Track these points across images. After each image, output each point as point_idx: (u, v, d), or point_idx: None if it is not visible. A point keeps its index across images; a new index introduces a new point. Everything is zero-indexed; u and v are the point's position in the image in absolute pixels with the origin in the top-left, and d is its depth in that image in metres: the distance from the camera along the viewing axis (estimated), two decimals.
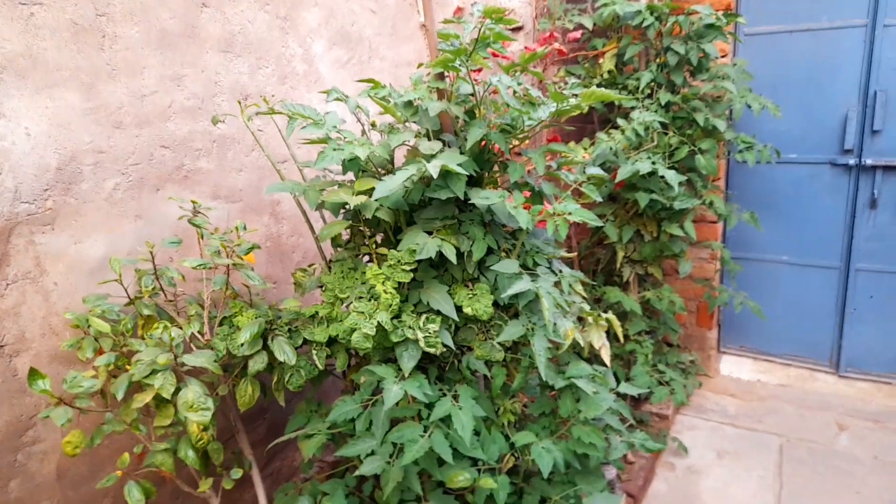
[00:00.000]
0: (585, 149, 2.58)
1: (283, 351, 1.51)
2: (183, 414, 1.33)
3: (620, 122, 2.52)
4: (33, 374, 1.30)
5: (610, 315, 1.76)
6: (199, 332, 1.51)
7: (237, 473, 1.57)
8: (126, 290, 1.55)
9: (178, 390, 1.34)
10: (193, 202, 1.56)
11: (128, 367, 1.39)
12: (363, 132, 1.68)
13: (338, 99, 1.60)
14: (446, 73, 1.56)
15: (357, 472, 1.52)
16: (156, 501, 1.84)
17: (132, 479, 1.42)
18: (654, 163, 2.49)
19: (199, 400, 1.33)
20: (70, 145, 1.54)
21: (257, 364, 1.51)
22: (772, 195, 3.43)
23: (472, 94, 1.56)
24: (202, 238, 1.56)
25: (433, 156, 1.40)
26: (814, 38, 3.14)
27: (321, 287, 1.67)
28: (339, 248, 1.77)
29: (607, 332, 1.80)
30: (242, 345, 1.48)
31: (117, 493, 1.70)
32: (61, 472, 1.59)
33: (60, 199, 1.54)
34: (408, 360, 1.47)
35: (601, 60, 2.96)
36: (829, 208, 3.31)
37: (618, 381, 1.86)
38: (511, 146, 1.59)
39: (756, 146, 2.83)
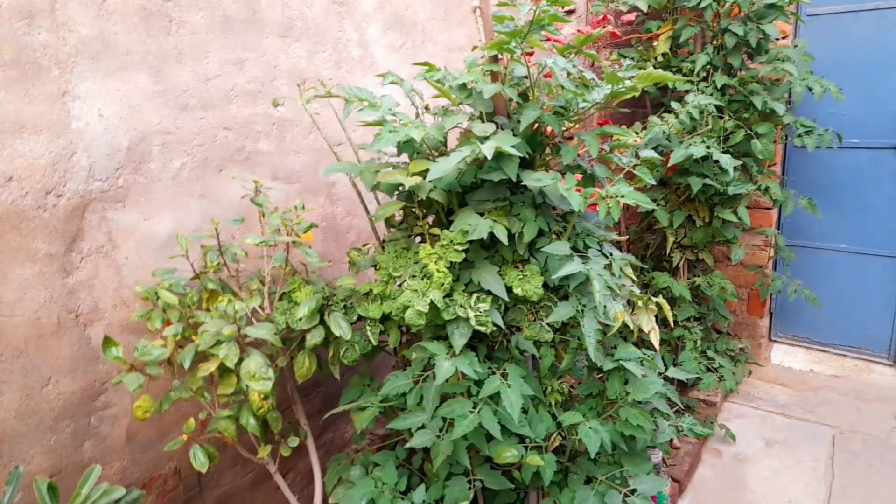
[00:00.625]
0: (638, 133, 2.56)
1: (339, 326, 1.57)
2: (245, 383, 1.40)
3: (674, 105, 2.48)
4: (107, 341, 1.38)
5: (660, 299, 1.76)
6: (259, 306, 1.58)
7: (294, 442, 1.64)
8: (192, 265, 1.62)
9: (240, 360, 1.41)
10: (255, 182, 1.63)
11: (194, 337, 1.47)
12: (417, 115, 1.71)
13: (393, 82, 1.64)
14: (500, 56, 1.57)
15: (408, 445, 1.57)
16: (217, 466, 1.94)
17: (196, 443, 1.51)
18: (708, 147, 2.45)
19: (261, 370, 1.40)
20: (140, 126, 1.62)
21: (314, 338, 1.57)
22: (830, 181, 3.33)
23: (526, 77, 1.57)
24: (263, 216, 1.62)
25: (487, 138, 1.42)
26: (880, 17, 3.02)
27: (375, 266, 1.71)
28: (392, 229, 1.82)
29: (656, 318, 1.80)
30: (301, 319, 1.54)
31: (182, 456, 1.80)
32: (130, 436, 1.69)
33: (131, 177, 1.62)
34: (459, 338, 1.50)
35: (655, 43, 2.92)
36: (891, 195, 3.20)
37: (665, 367, 1.87)
38: (564, 129, 1.60)
39: (816, 130, 2.75)
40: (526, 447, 1.62)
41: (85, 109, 1.52)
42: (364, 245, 1.91)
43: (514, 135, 1.50)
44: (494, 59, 1.56)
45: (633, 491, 1.65)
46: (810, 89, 2.68)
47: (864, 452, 2.75)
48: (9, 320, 1.41)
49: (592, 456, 1.58)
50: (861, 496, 2.48)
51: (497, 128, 1.51)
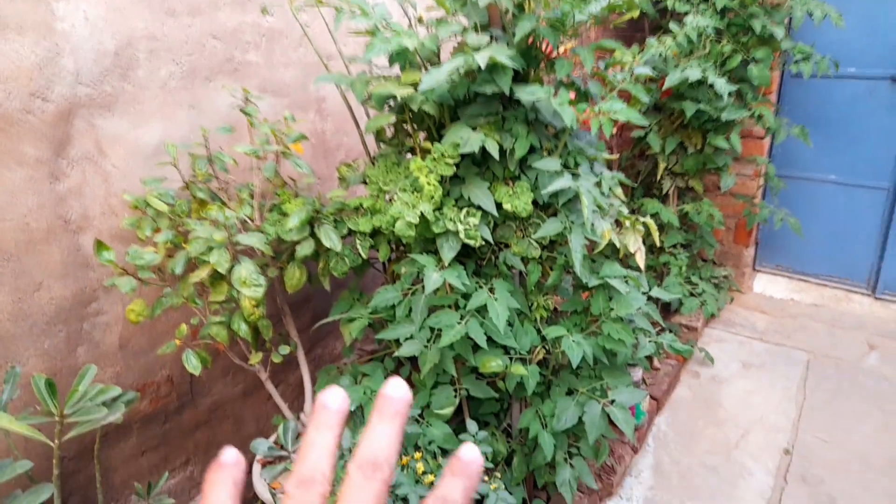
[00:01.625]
0: (635, 55, 2.51)
1: (329, 237, 1.58)
2: (236, 289, 1.43)
3: (672, 26, 2.44)
4: (99, 245, 1.39)
5: (648, 219, 1.78)
6: (249, 217, 1.59)
7: (285, 349, 1.69)
8: (181, 174, 1.62)
9: (231, 267, 1.43)
10: (245, 90, 1.60)
11: (184, 245, 1.48)
12: (410, 26, 1.67)
13: None
14: None
15: (396, 354, 1.62)
16: (209, 375, 1.99)
17: (189, 348, 1.54)
18: (704, 71, 2.42)
19: (252, 277, 1.42)
20: (126, 30, 1.58)
21: (305, 249, 1.59)
22: (825, 111, 3.32)
23: None
24: (252, 126, 1.61)
25: (480, 48, 1.39)
26: None
27: (365, 182, 1.72)
28: (383, 145, 1.81)
29: (643, 241, 1.82)
30: (291, 230, 1.56)
31: (174, 364, 1.85)
32: (123, 343, 1.73)
33: (118, 84, 1.59)
34: (448, 251, 1.52)
35: None
36: (885, 127, 3.19)
37: (650, 288, 1.91)
38: (560, 43, 1.57)
39: (814, 57, 2.72)
40: (511, 358, 1.68)
41: (70, 10, 1.47)
42: (354, 161, 1.90)
43: (509, 47, 1.48)
44: None
45: (612, 402, 1.72)
46: (810, 14, 2.64)
47: (835, 376, 2.86)
48: None
49: (574, 367, 1.63)
50: (829, 416, 2.60)
51: (492, 39, 1.48)
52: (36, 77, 1.42)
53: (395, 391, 0.36)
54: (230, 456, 0.36)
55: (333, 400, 0.37)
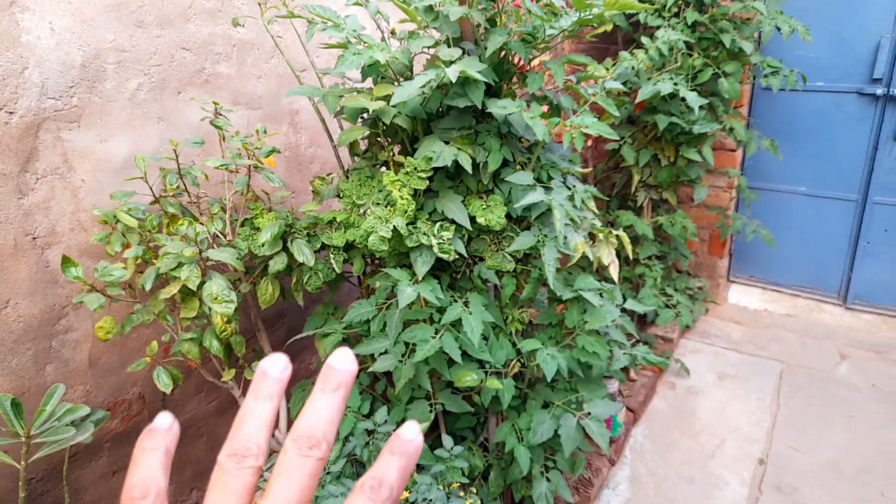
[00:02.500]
0: (608, 68, 2.54)
1: (302, 252, 1.57)
2: (208, 305, 1.40)
3: (644, 40, 2.47)
4: (66, 261, 1.36)
5: (620, 232, 1.80)
6: (221, 231, 1.57)
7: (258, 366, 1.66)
8: (151, 188, 1.59)
9: (202, 283, 1.41)
10: (215, 103, 1.58)
11: (154, 261, 1.46)
12: (383, 39, 1.67)
13: (357, 3, 1.59)
14: None
15: (370, 369, 1.61)
16: (182, 392, 1.95)
17: (160, 366, 1.51)
18: (675, 84, 2.46)
19: (223, 293, 1.40)
20: (93, 42, 1.56)
21: (277, 264, 1.57)
22: (794, 124, 3.38)
23: (494, 1, 1.54)
24: (224, 140, 1.59)
25: (452, 62, 1.40)
26: None
27: (339, 196, 1.71)
28: (356, 158, 1.80)
29: (618, 254, 1.84)
30: (263, 245, 1.54)
31: (146, 382, 1.81)
32: (93, 360, 1.69)
33: (85, 96, 1.56)
34: (422, 265, 1.52)
35: None
36: (852, 139, 3.26)
37: (625, 300, 1.92)
38: (531, 57, 1.58)
39: (782, 71, 2.77)
40: (486, 372, 1.67)
41: (35, 22, 1.45)
42: (328, 174, 1.89)
43: (481, 61, 1.48)
44: None
45: (587, 414, 1.72)
46: (779, 29, 2.69)
47: (808, 385, 2.89)
48: None
49: (549, 380, 1.63)
50: (802, 424, 2.62)
51: (463, 52, 1.48)
52: (1, 89, 1.40)
53: (340, 362, 0.34)
54: (163, 421, 0.34)
55: (274, 367, 0.35)
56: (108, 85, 1.60)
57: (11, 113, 1.43)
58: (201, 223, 1.51)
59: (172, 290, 1.42)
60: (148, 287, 1.41)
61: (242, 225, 1.64)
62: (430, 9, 1.50)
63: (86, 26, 1.54)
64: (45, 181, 1.52)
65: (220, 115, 1.58)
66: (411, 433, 0.34)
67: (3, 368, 1.49)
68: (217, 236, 1.55)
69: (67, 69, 1.51)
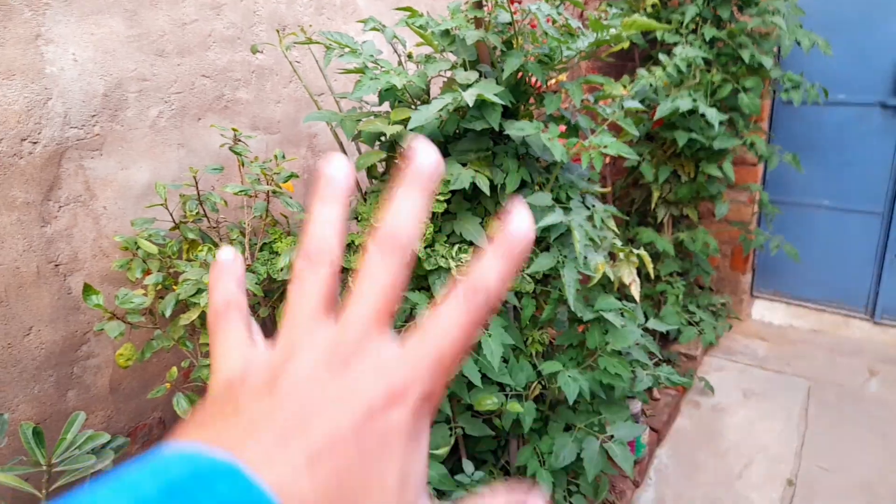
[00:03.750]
0: (625, 86, 2.53)
1: None
2: None
3: (662, 57, 2.46)
4: (87, 289, 1.37)
5: (641, 251, 1.78)
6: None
7: None
8: (171, 214, 1.61)
9: None
10: (234, 130, 1.60)
11: (175, 287, 1.47)
12: (400, 63, 1.68)
13: (374, 29, 1.60)
14: (484, 2, 1.54)
15: None
16: None
17: (180, 391, 1.52)
18: (694, 100, 2.44)
19: None
20: (115, 72, 1.58)
21: None
22: (816, 138, 3.33)
23: (510, 24, 1.54)
24: (243, 166, 1.60)
25: (469, 85, 1.40)
26: None
27: (356, 218, 1.71)
28: (374, 180, 1.80)
29: (639, 272, 1.82)
30: (282, 269, 1.54)
31: (166, 407, 1.82)
32: (114, 386, 1.70)
33: (107, 125, 1.59)
34: (440, 288, 1.51)
35: None
36: (875, 152, 3.21)
37: (646, 318, 1.89)
38: (548, 78, 1.58)
39: (803, 85, 2.74)
40: (506, 395, 1.65)
41: (59, 54, 1.48)
42: None
43: (498, 83, 1.48)
44: (478, 5, 1.53)
45: (610, 437, 1.69)
46: (799, 43, 2.66)
47: (837, 403, 2.83)
48: None
49: (570, 403, 1.61)
50: (832, 443, 2.56)
51: (480, 76, 1.49)
52: (24, 120, 1.42)
53: (425, 158, 0.32)
54: (228, 254, 0.34)
55: (338, 170, 0.32)
56: (129, 113, 1.63)
57: (35, 143, 1.45)
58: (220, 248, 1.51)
59: (192, 316, 1.42)
60: (168, 313, 1.42)
61: (261, 249, 1.64)
62: (446, 33, 1.50)
63: (108, 56, 1.56)
64: (67, 209, 1.54)
65: (240, 140, 1.60)
66: (523, 226, 0.30)
67: (25, 395, 1.51)
68: None
69: (90, 99, 1.54)
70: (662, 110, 2.45)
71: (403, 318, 1.65)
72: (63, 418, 1.55)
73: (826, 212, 3.44)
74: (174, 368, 1.54)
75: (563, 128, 1.68)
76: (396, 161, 1.72)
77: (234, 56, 1.86)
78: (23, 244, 1.45)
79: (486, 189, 1.48)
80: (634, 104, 1.64)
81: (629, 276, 1.79)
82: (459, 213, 1.59)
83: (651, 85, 2.42)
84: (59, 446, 1.27)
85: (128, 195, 1.65)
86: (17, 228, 1.44)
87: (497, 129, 1.47)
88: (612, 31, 1.43)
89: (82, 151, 1.54)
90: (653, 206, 2.98)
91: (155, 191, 1.62)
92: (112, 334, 1.37)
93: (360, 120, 1.58)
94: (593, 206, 1.69)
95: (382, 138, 1.66)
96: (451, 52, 1.55)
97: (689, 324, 3.15)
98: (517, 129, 1.46)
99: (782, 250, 3.12)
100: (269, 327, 1.77)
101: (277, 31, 1.73)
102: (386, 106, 1.66)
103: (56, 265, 1.53)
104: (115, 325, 1.37)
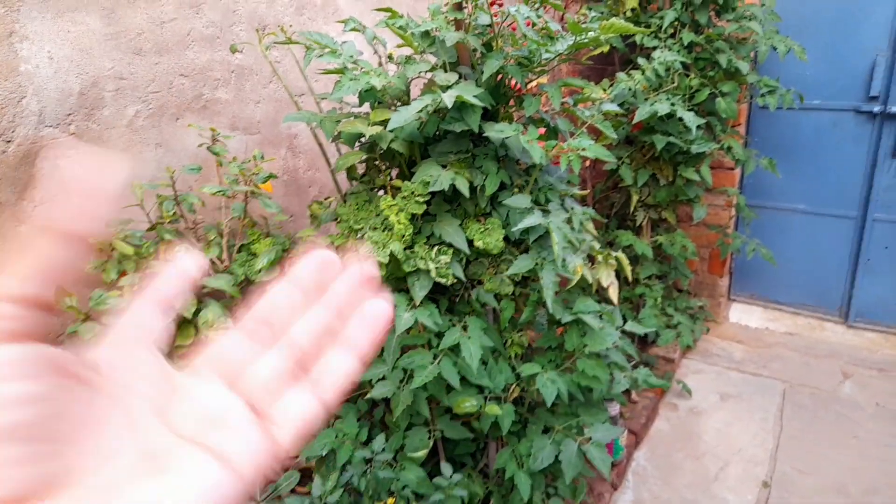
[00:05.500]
0: (604, 89, 2.55)
1: None
2: (203, 333, 1.39)
3: (641, 61, 2.48)
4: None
5: (619, 254, 1.79)
6: (217, 257, 1.56)
7: None
8: (148, 215, 1.59)
9: (198, 311, 1.40)
10: (212, 130, 1.59)
11: None
12: (380, 64, 1.68)
13: (354, 29, 1.60)
14: (465, 4, 1.54)
15: (368, 396, 1.59)
16: None
17: None
18: (673, 104, 2.46)
19: (219, 319, 1.39)
20: (92, 70, 1.56)
21: None
22: (792, 142, 3.39)
23: (490, 26, 1.54)
24: (221, 166, 1.59)
25: (449, 87, 1.40)
26: None
27: (336, 220, 1.70)
28: (354, 182, 1.80)
29: (617, 275, 1.83)
30: (260, 271, 1.53)
31: None
32: None
33: (83, 124, 1.57)
34: (419, 290, 1.51)
35: None
36: (850, 156, 3.27)
37: (624, 321, 1.90)
38: (527, 80, 1.58)
39: (779, 90, 2.78)
40: (485, 398, 1.65)
41: (34, 51, 1.45)
42: (326, 199, 1.89)
43: (477, 85, 1.49)
44: (458, 7, 1.53)
45: (588, 439, 1.70)
46: (775, 48, 2.70)
47: (811, 404, 2.87)
48: None
49: (549, 405, 1.61)
50: (806, 445, 2.59)
51: (460, 77, 1.49)
52: None
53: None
54: (189, 262, 0.36)
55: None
56: (106, 112, 1.61)
57: (9, 141, 1.43)
58: (198, 250, 1.50)
59: None
60: None
61: (239, 251, 1.63)
62: (426, 34, 1.50)
63: (84, 55, 1.54)
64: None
65: (218, 140, 1.58)
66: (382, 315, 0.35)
67: None
68: (213, 262, 1.54)
69: (65, 97, 1.52)
70: (641, 114, 2.47)
71: None
72: None
73: (801, 216, 3.49)
74: None
75: (542, 130, 1.69)
76: (376, 162, 1.72)
77: (213, 55, 1.84)
78: None
79: (465, 191, 1.48)
80: (613, 107, 1.65)
81: (607, 279, 1.80)
82: (439, 215, 1.59)
83: (630, 89, 2.45)
84: None
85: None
86: None
87: (477, 131, 1.47)
88: (591, 33, 1.44)
89: (58, 151, 1.52)
90: (632, 209, 3.00)
91: (131, 191, 1.60)
92: (86, 336, 1.35)
93: (339, 121, 1.57)
94: (572, 208, 1.70)
95: (362, 139, 1.65)
96: (432, 53, 1.56)
97: (668, 327, 3.18)
98: (497, 132, 1.46)
99: (759, 254, 3.17)
100: None
101: (257, 31, 1.72)
102: (366, 107, 1.66)
103: None
104: (89, 327, 1.35)
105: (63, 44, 1.50)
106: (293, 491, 1.55)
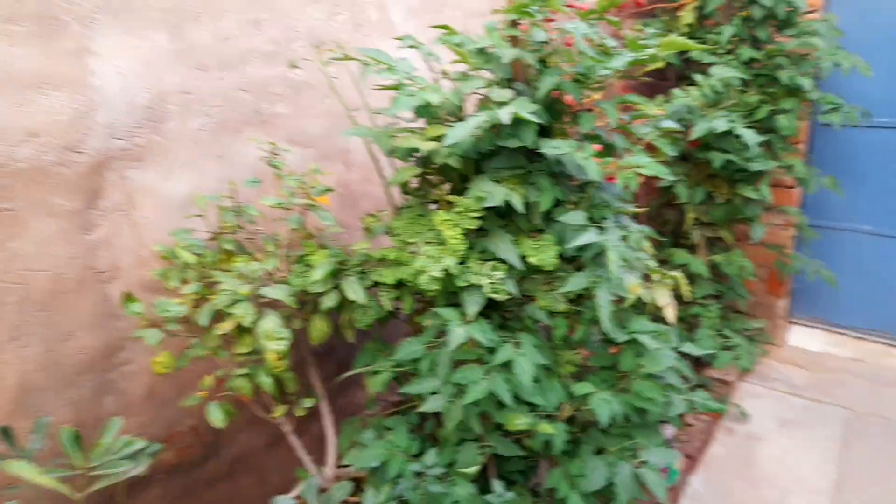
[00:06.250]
0: (660, 105, 2.51)
1: (354, 290, 1.57)
2: (261, 342, 1.42)
3: (698, 77, 2.44)
4: (128, 297, 1.40)
5: (677, 273, 1.75)
6: (275, 268, 1.59)
7: (309, 402, 1.67)
8: (209, 225, 1.63)
9: (257, 320, 1.43)
10: (272, 143, 1.63)
11: (211, 297, 1.49)
12: (435, 80, 1.69)
13: (411, 46, 1.62)
14: (520, 21, 1.55)
15: (420, 409, 1.59)
16: (233, 425, 1.96)
17: (214, 400, 1.53)
18: (731, 121, 2.41)
19: (277, 330, 1.41)
20: (158, 85, 1.62)
21: (329, 301, 1.58)
22: (856, 161, 3.26)
23: (546, 43, 1.54)
24: (279, 179, 1.63)
25: (504, 103, 1.40)
26: None
27: (389, 233, 1.72)
28: (407, 196, 1.81)
29: (673, 294, 1.79)
30: (316, 282, 1.55)
31: (199, 415, 1.83)
32: (149, 393, 1.72)
33: (149, 136, 1.62)
34: (472, 305, 1.50)
35: (680, 13, 2.85)
36: None
37: (680, 342, 1.86)
38: (583, 97, 1.57)
39: (843, 108, 2.69)
40: (538, 416, 1.63)
41: (104, 66, 1.52)
42: (379, 212, 1.91)
43: (533, 101, 1.48)
44: (514, 24, 1.54)
45: (643, 462, 1.65)
46: (838, 65, 2.62)
47: (878, 435, 2.73)
48: (32, 274, 1.44)
49: (604, 425, 1.58)
50: (871, 477, 2.47)
51: (515, 94, 1.49)
52: (70, 131, 1.46)
53: None
54: None
55: None
56: (171, 125, 1.66)
57: (80, 153, 1.49)
58: (257, 260, 1.53)
59: (228, 326, 1.44)
60: (204, 323, 1.44)
61: (296, 262, 1.66)
62: (482, 51, 1.51)
63: (151, 69, 1.60)
64: (109, 218, 1.57)
65: (276, 154, 1.62)
66: None
67: (64, 400, 1.53)
68: (271, 273, 1.57)
69: (133, 110, 1.58)
70: (698, 131, 2.42)
71: (434, 335, 1.65)
72: (100, 423, 1.58)
73: (866, 237, 3.35)
74: (208, 377, 1.55)
75: (598, 147, 1.67)
76: (429, 177, 1.73)
77: (272, 71, 1.89)
78: (66, 251, 1.49)
79: (519, 207, 1.48)
80: (671, 125, 1.62)
81: (663, 299, 1.76)
82: (492, 231, 1.58)
83: (686, 105, 2.41)
84: (96, 451, 1.29)
85: (167, 206, 1.68)
86: (61, 236, 1.48)
87: (531, 147, 1.47)
88: (650, 50, 1.42)
89: (125, 162, 1.58)
90: (687, 227, 2.94)
91: (194, 202, 1.65)
92: (150, 342, 1.39)
93: (395, 136, 1.59)
94: (627, 226, 1.67)
95: (416, 154, 1.67)
96: (487, 69, 1.56)
97: (724, 348, 3.08)
98: (552, 148, 1.45)
99: (820, 276, 3.05)
100: (302, 338, 1.78)
101: (316, 47, 1.76)
102: (419, 122, 1.68)
103: (97, 272, 1.56)
104: (153, 333, 1.39)
105: (132, 59, 1.57)
106: (345, 502, 1.55)
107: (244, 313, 1.38)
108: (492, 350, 1.55)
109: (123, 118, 1.56)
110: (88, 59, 1.48)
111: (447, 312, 1.52)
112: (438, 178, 1.72)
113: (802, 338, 3.60)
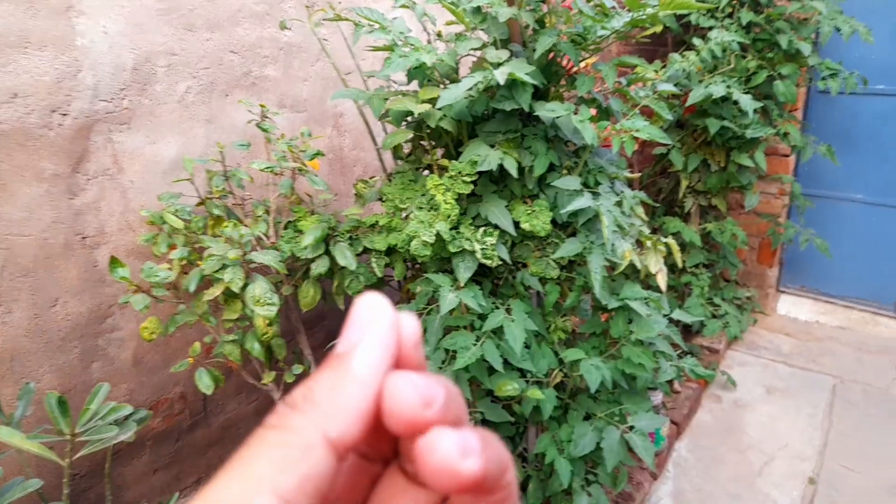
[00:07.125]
0: (657, 71, 2.47)
1: (345, 256, 1.56)
2: (250, 308, 1.40)
3: (696, 42, 2.40)
4: (114, 262, 1.38)
5: (670, 240, 1.74)
6: (264, 234, 1.57)
7: (298, 369, 1.66)
8: (197, 190, 1.61)
9: (245, 286, 1.41)
10: (262, 106, 1.59)
11: (199, 262, 1.47)
12: (429, 41, 1.65)
13: (404, 6, 1.57)
14: None
15: None
16: (222, 393, 1.97)
17: (202, 367, 1.52)
18: (728, 87, 2.38)
19: (266, 295, 1.40)
20: (145, 46, 1.58)
21: (319, 267, 1.56)
22: (852, 129, 3.24)
23: (543, 2, 1.50)
24: (269, 143, 1.59)
25: (500, 64, 1.37)
26: None
27: (381, 199, 1.69)
28: (400, 161, 1.79)
29: (664, 262, 1.78)
30: (306, 248, 1.53)
31: (187, 382, 1.83)
32: (137, 359, 1.72)
33: (136, 99, 1.58)
34: (464, 271, 1.49)
35: None
36: None
37: (671, 309, 1.86)
38: (581, 59, 1.54)
39: (842, 74, 2.66)
40: (527, 381, 1.63)
41: (90, 26, 1.47)
42: (371, 177, 1.88)
43: (529, 63, 1.45)
44: None
45: (631, 427, 1.67)
46: (838, 29, 2.58)
47: (863, 402, 2.77)
48: (17, 239, 1.41)
49: (593, 391, 1.59)
50: (856, 444, 2.51)
51: (511, 55, 1.45)
52: (55, 92, 1.42)
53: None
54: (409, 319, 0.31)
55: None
56: (158, 87, 1.62)
57: (65, 115, 1.45)
58: (246, 225, 1.51)
59: (216, 291, 1.42)
60: (192, 289, 1.42)
61: (286, 227, 1.64)
62: (477, 10, 1.47)
63: (137, 30, 1.56)
64: (95, 182, 1.54)
65: (266, 117, 1.59)
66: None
67: (51, 365, 1.52)
68: (260, 238, 1.56)
69: (119, 72, 1.54)
70: (695, 96, 2.39)
71: (425, 302, 1.64)
72: (87, 389, 1.57)
73: (859, 206, 3.35)
74: (197, 344, 1.55)
75: (594, 111, 1.64)
76: (422, 141, 1.70)
77: (262, 32, 1.85)
78: (51, 215, 1.46)
79: (513, 171, 1.46)
80: (669, 87, 1.59)
81: (656, 266, 1.75)
82: (485, 196, 1.56)
83: (684, 70, 2.37)
84: (82, 416, 1.28)
85: (155, 169, 1.65)
86: (46, 200, 1.45)
87: (527, 110, 1.44)
88: (649, 10, 1.38)
89: (111, 125, 1.54)
90: (680, 195, 2.92)
91: (182, 166, 1.62)
92: (137, 307, 1.37)
93: (387, 98, 1.56)
94: (622, 191, 1.65)
95: (409, 118, 1.64)
96: (483, 30, 1.52)
97: (714, 316, 3.10)
98: (548, 111, 1.43)
99: (811, 245, 3.05)
100: (292, 305, 1.77)
101: (307, 7, 1.71)
102: (414, 85, 1.64)
103: (83, 237, 1.54)
104: (140, 298, 1.38)
105: (117, 18, 1.52)
106: None
107: (232, 278, 1.36)
108: (483, 316, 1.54)
109: (109, 80, 1.52)
110: (73, 18, 1.44)
111: (438, 278, 1.51)
112: (431, 143, 1.69)
113: (791, 307, 3.62)
